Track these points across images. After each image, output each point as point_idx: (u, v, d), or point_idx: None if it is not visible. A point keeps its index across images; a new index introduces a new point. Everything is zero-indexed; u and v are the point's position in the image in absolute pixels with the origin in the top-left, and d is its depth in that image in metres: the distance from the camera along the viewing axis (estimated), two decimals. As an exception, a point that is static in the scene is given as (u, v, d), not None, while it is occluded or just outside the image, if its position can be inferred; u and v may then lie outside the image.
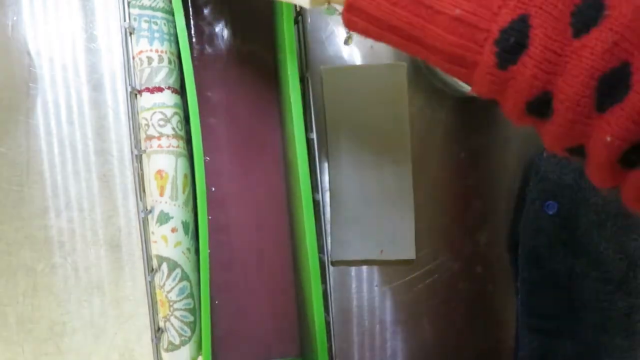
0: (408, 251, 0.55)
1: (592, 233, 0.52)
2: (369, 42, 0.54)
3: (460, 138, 0.55)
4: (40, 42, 0.52)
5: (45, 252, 0.54)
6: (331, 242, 0.55)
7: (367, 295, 0.56)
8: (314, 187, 0.50)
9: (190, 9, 0.54)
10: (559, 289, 0.53)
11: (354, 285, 0.56)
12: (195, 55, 0.54)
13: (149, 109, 0.47)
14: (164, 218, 0.47)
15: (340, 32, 0.54)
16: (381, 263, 0.56)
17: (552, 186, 0.52)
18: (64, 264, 0.54)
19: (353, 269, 0.56)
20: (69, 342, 0.55)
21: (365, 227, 0.54)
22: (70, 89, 0.53)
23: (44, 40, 0.52)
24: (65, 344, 0.55)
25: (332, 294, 0.56)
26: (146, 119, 0.47)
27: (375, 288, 0.56)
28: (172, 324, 0.49)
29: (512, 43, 0.25)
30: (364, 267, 0.56)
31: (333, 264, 0.56)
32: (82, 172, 0.54)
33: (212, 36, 0.54)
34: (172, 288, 0.48)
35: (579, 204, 0.52)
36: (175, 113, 0.48)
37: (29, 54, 0.52)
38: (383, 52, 0.54)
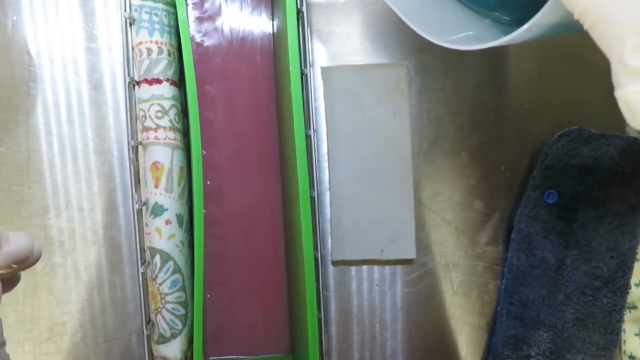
0: (408, 251, 0.55)
1: (588, 227, 0.52)
2: (369, 41, 0.54)
3: (461, 137, 0.55)
4: (40, 42, 0.52)
5: (45, 252, 0.54)
6: (331, 242, 0.55)
7: (367, 295, 0.56)
8: (310, 183, 0.50)
9: (191, 2, 0.54)
10: (546, 278, 0.53)
11: (354, 285, 0.56)
12: (194, 48, 0.54)
13: (146, 101, 0.47)
14: (158, 210, 0.47)
15: (340, 32, 0.53)
16: (381, 263, 0.56)
17: (556, 175, 0.51)
18: (64, 263, 0.54)
19: (353, 269, 0.56)
20: (69, 342, 0.55)
21: (365, 227, 0.54)
22: (70, 88, 0.53)
23: (44, 40, 0.52)
24: (65, 344, 0.55)
25: (332, 294, 0.56)
26: (143, 111, 0.47)
27: (375, 288, 0.56)
28: (163, 317, 0.49)
29: None
30: (364, 267, 0.56)
31: (333, 264, 0.55)
32: (82, 172, 0.54)
33: (211, 30, 0.55)
34: (164, 280, 0.48)
35: (580, 197, 0.51)
36: (173, 105, 0.48)
37: (29, 53, 0.52)
38: (383, 51, 0.54)
